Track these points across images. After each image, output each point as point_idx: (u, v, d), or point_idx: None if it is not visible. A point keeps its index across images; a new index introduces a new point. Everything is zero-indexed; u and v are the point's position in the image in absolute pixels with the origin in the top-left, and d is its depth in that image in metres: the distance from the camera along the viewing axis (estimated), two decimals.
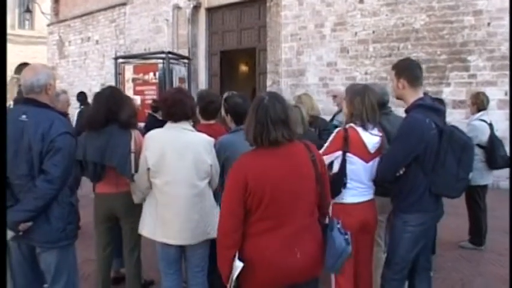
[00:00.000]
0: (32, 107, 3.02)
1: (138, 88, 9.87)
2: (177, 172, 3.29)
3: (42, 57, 25.14)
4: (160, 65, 9.73)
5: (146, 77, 9.79)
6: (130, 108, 4.04)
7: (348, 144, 3.23)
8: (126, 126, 3.83)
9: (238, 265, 2.37)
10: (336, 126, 7.23)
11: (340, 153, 3.27)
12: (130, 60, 10.46)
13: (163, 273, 3.50)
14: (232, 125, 3.79)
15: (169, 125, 3.41)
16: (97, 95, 4.01)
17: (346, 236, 2.55)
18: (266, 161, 2.46)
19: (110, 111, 3.79)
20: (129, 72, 9.95)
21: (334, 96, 7.82)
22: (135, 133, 3.92)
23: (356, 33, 9.88)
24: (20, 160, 2.94)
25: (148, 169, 3.33)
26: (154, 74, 9.71)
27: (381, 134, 3.32)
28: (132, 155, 3.77)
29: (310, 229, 2.50)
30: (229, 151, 3.48)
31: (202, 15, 13.38)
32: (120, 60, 10.39)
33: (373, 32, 9.67)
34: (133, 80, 9.84)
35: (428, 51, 9.25)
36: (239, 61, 14.76)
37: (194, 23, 13.41)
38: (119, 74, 10.00)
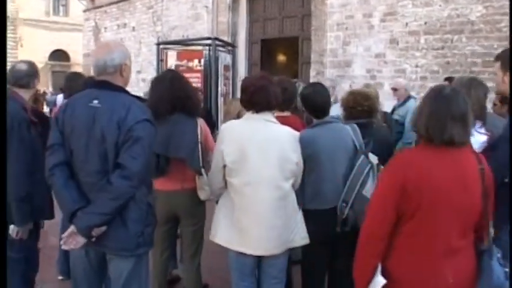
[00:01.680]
0: (105, 90, 2.70)
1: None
2: (260, 171, 2.98)
3: (77, 44, 25.23)
4: (206, 52, 9.46)
5: (190, 63, 9.53)
6: (195, 92, 3.76)
7: None
8: (193, 113, 3.55)
9: (381, 281, 2.07)
10: (397, 121, 6.95)
11: None
12: (173, 46, 10.22)
13: (235, 285, 3.20)
14: (313, 118, 3.49)
15: (249, 116, 3.10)
16: (157, 80, 3.72)
17: (506, 269, 2.19)
18: (432, 162, 2.14)
19: (176, 97, 3.49)
20: (172, 58, 9.71)
21: (395, 90, 7.51)
22: (200, 121, 3.64)
23: (407, 24, 9.48)
24: (92, 153, 2.63)
25: (224, 166, 3.03)
26: (199, 61, 9.43)
27: (489, 133, 2.99)
28: (199, 146, 3.50)
29: (465, 252, 2.15)
30: (311, 148, 3.17)
31: (243, 2, 13.05)
32: (162, 45, 10.13)
33: (425, 23, 9.26)
34: (177, 66, 9.53)
35: (484, 45, 8.77)
36: (280, 50, 14.42)
37: (235, 10, 13.09)
38: (161, 60, 9.74)
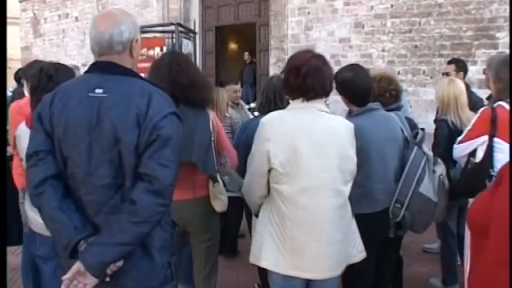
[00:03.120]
0: (111, 75, 2.00)
1: (141, 65, 8.61)
2: (318, 174, 2.37)
3: (13, 37, 23.80)
4: (167, 40, 8.74)
5: (151, 52, 8.68)
6: (202, 78, 3.08)
7: (496, 127, 2.69)
8: (201, 105, 2.88)
9: None
10: None
11: (485, 138, 2.74)
12: None
13: None
14: (352, 107, 2.92)
15: (297, 105, 2.47)
16: (153, 67, 3.00)
17: None
18: None
19: (178, 86, 2.81)
20: None
21: None
22: (211, 115, 2.99)
23: (372, 7, 9.19)
24: (98, 161, 1.93)
25: (269, 170, 2.39)
26: (161, 49, 8.61)
27: None
28: (213, 146, 2.86)
29: None
30: (359, 142, 2.57)
31: None
32: None
33: (392, 6, 8.99)
34: None
35: (452, 28, 8.58)
36: (235, 38, 13.92)
37: None
38: None
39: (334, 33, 9.63)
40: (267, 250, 2.44)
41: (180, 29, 9.00)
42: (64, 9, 16.57)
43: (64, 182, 2.01)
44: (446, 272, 3.99)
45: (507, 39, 8.20)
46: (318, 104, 2.45)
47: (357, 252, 2.56)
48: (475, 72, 8.43)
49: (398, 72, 8.72)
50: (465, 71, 5.06)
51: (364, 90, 2.93)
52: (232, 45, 14.25)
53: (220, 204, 2.87)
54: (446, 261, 4.01)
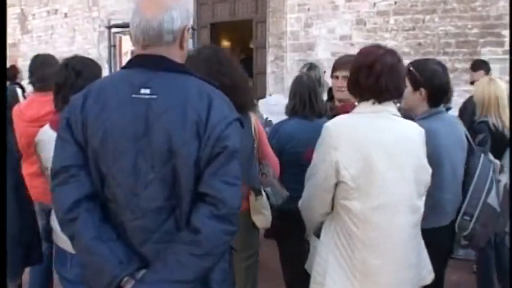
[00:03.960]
0: (159, 72, 1.68)
1: None
2: (394, 189, 2.08)
3: None
4: None
5: None
6: (245, 79, 2.75)
7: None
8: (245, 109, 2.52)
9: None
10: None
11: None
12: (127, 30, 9.07)
13: None
14: (423, 106, 2.66)
15: (367, 108, 2.17)
16: (189, 60, 2.64)
17: None
18: None
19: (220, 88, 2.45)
20: (128, 43, 8.47)
21: None
22: (253, 118, 2.68)
23: (375, 4, 8.95)
24: (147, 179, 1.60)
25: (336, 184, 2.09)
26: None
27: None
28: (255, 154, 2.55)
29: None
30: (431, 145, 2.30)
31: None
32: (115, 29, 8.82)
33: (395, 2, 8.77)
34: (133, 52, 8.38)
35: (458, 25, 8.37)
36: (231, 35, 13.60)
37: None
38: (112, 46, 8.43)
39: (335, 30, 9.37)
40: (333, 276, 2.15)
41: None
42: (53, 5, 16.15)
43: (101, 203, 1.68)
44: (482, 284, 3.75)
45: None
46: (391, 108, 2.17)
47: (427, 273, 2.31)
48: None
49: None
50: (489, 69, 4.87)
51: (446, 87, 2.72)
52: (226, 43, 13.97)
53: (263, 219, 2.60)
54: (483, 273, 3.78)
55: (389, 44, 8.71)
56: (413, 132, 2.21)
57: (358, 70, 2.22)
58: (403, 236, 2.11)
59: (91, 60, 2.78)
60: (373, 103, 2.16)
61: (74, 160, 1.66)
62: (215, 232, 1.55)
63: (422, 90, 2.64)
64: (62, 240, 2.45)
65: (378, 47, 2.28)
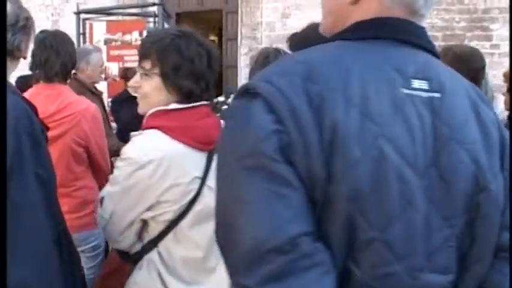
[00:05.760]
0: (425, 54, 1.01)
1: (114, 53, 7.51)
2: None
3: None
4: (150, 23, 7.76)
5: (127, 37, 7.52)
6: None
7: None
8: None
9: None
10: None
11: None
12: (98, 16, 8.19)
13: None
14: None
15: None
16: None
17: None
18: None
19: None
20: (99, 31, 7.63)
21: None
22: None
23: None
24: (439, 238, 0.91)
25: None
26: (140, 34, 7.48)
27: None
28: None
29: None
30: None
31: None
32: (84, 15, 7.94)
33: None
34: (107, 41, 7.55)
35: (445, 18, 8.22)
36: (199, 26, 13.03)
37: None
38: (81, 34, 7.56)
39: (315, 21, 8.90)
40: None
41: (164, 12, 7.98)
42: None
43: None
44: None
45: (502, 31, 7.98)
46: None
47: None
48: None
49: None
50: None
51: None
52: (200, 34, 13.50)
53: None
54: None
55: None
56: None
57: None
58: None
59: None
60: None
61: (305, 223, 0.85)
62: None
63: None
64: None
65: None
